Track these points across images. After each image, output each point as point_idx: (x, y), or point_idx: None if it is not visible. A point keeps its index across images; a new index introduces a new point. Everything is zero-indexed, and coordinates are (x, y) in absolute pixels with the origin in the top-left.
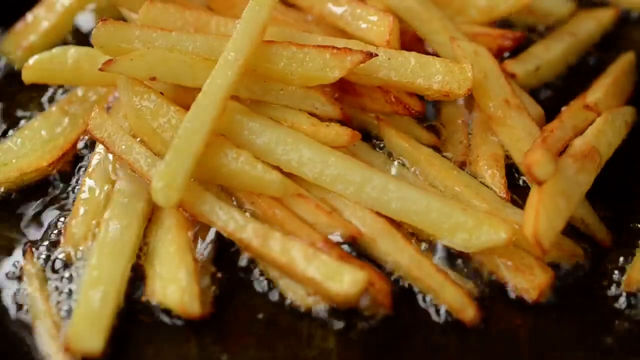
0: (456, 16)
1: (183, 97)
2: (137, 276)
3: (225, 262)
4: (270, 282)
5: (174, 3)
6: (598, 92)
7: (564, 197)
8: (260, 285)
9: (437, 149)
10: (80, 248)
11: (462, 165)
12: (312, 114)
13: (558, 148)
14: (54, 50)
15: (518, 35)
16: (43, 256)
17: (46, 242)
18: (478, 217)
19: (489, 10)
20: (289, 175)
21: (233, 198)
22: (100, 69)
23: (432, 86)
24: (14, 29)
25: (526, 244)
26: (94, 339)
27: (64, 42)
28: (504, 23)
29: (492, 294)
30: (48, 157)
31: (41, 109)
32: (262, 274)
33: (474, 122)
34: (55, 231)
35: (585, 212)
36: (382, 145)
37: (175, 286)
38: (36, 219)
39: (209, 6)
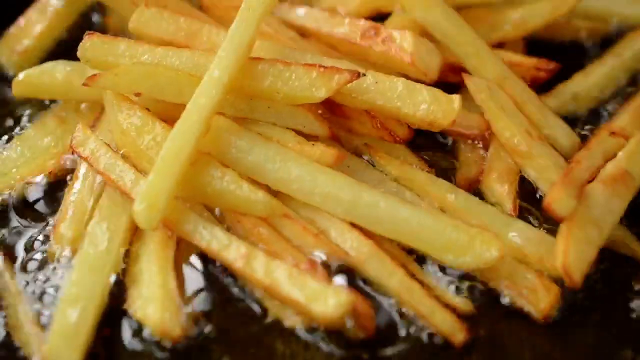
0: (490, 32)
1: (170, 111)
2: (119, 293)
3: (209, 280)
4: (255, 300)
5: (165, 8)
6: (625, 117)
7: (595, 225)
8: (245, 303)
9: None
10: (62, 259)
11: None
12: (300, 132)
13: (584, 178)
14: (44, 65)
15: (552, 67)
16: (24, 265)
17: (31, 250)
18: (470, 234)
19: (523, 24)
20: (276, 193)
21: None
22: (84, 84)
23: (416, 114)
24: (7, 33)
25: (530, 261)
26: (71, 358)
27: (59, 45)
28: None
29: (489, 310)
30: (48, 164)
31: (36, 115)
32: (246, 292)
33: (490, 142)
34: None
35: (623, 234)
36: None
37: (155, 305)
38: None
39: (205, 11)
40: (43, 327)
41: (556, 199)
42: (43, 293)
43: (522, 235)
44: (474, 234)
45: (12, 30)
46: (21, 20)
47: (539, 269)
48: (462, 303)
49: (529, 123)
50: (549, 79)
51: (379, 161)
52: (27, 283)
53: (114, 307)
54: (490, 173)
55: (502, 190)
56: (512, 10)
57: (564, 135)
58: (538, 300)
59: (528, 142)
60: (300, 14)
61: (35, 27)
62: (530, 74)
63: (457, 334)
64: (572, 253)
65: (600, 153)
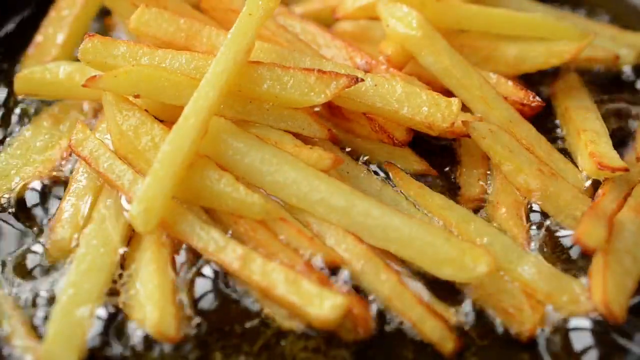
0: (484, 63)
1: (169, 113)
2: (116, 294)
3: (206, 282)
4: (252, 301)
5: (165, 9)
6: None
7: (630, 255)
8: (243, 304)
9: (452, 188)
10: (59, 260)
11: (477, 202)
12: (299, 135)
13: (612, 208)
14: (47, 65)
15: (535, 104)
16: (22, 267)
17: (28, 252)
18: (461, 247)
19: (516, 65)
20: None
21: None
22: (84, 85)
23: (415, 116)
24: (27, 54)
25: (539, 297)
26: (68, 359)
27: None
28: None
29: (479, 326)
30: (46, 166)
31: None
32: (243, 293)
33: (494, 166)
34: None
35: None
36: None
37: (152, 306)
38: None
39: (204, 13)
40: (38, 329)
41: (585, 232)
42: (39, 295)
43: (533, 270)
44: (464, 248)
45: (31, 50)
46: (38, 38)
47: (548, 304)
48: (452, 314)
49: (539, 161)
50: (533, 115)
51: (398, 182)
52: (24, 285)
53: (111, 309)
54: (499, 207)
55: (512, 224)
56: (508, 46)
57: (573, 178)
58: (523, 319)
59: (542, 181)
60: (296, 28)
61: (57, 37)
62: (515, 107)
63: (447, 343)
64: (610, 287)
65: (625, 181)
